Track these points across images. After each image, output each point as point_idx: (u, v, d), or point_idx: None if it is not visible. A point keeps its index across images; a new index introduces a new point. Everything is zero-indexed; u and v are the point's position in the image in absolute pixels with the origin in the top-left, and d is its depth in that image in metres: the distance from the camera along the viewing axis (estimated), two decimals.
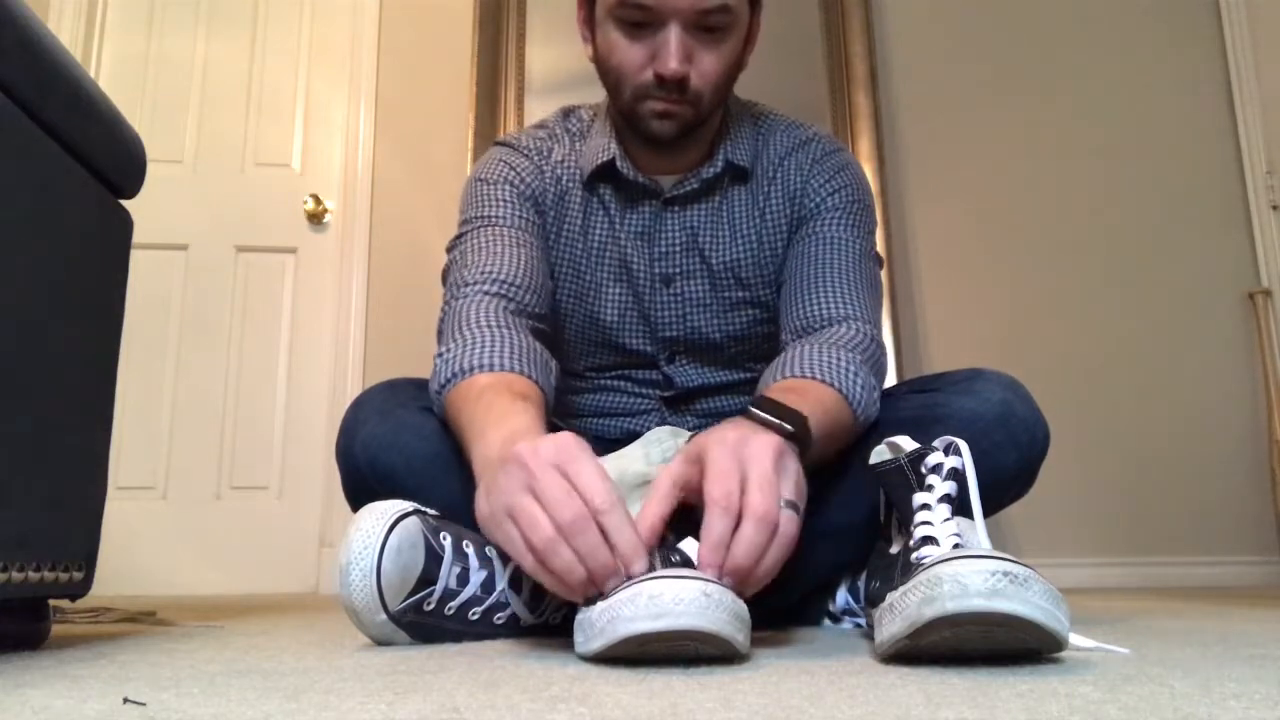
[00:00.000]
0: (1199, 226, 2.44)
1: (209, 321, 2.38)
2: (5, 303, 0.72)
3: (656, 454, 0.71)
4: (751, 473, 0.66)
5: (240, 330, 2.39)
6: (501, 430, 0.75)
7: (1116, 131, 2.48)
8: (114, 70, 2.49)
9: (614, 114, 1.06)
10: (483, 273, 0.97)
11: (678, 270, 1.07)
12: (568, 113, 1.14)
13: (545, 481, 0.63)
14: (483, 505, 0.68)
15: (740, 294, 1.07)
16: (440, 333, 0.96)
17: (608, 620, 0.59)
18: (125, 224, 0.96)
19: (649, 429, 1.07)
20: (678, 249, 1.07)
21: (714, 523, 0.64)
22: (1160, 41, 2.53)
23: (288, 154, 2.49)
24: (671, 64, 0.93)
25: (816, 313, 0.98)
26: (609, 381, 1.12)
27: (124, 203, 0.96)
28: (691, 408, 1.12)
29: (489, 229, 1.02)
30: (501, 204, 1.04)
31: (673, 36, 0.93)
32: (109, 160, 0.90)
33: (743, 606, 0.61)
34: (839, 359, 0.89)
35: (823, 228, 1.05)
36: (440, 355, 0.90)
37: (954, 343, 2.36)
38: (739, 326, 1.09)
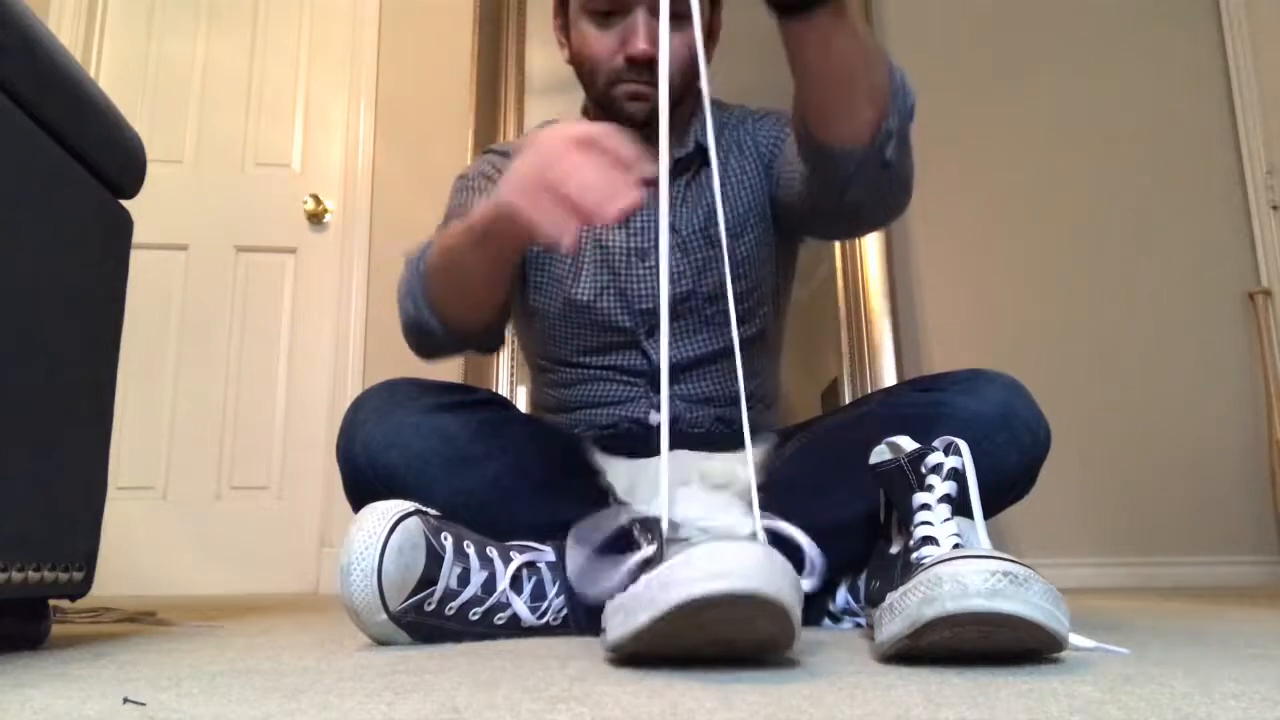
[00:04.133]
0: (1199, 226, 2.44)
1: (209, 321, 2.38)
2: (5, 303, 0.72)
3: (675, 477, 0.69)
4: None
5: (240, 330, 2.39)
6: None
7: (1116, 131, 2.48)
8: (114, 70, 2.49)
9: (590, 111, 1.14)
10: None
11: (651, 244, 1.11)
12: (549, 124, 1.20)
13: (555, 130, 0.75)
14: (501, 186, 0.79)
15: (710, 252, 1.10)
16: (401, 281, 1.05)
17: (660, 587, 0.52)
18: (125, 224, 0.96)
19: (637, 415, 1.10)
20: (651, 224, 1.11)
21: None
22: (1160, 41, 2.53)
23: (288, 154, 2.49)
24: (640, 44, 1.02)
25: None
26: (595, 372, 1.13)
27: (124, 203, 0.96)
28: (676, 389, 1.12)
29: (458, 220, 1.09)
30: (477, 194, 1.13)
31: (640, 20, 1.02)
32: (109, 160, 0.90)
33: (799, 580, 0.55)
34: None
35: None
36: (408, 261, 1.02)
37: (954, 343, 2.36)
38: (711, 284, 1.11)
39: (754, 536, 0.61)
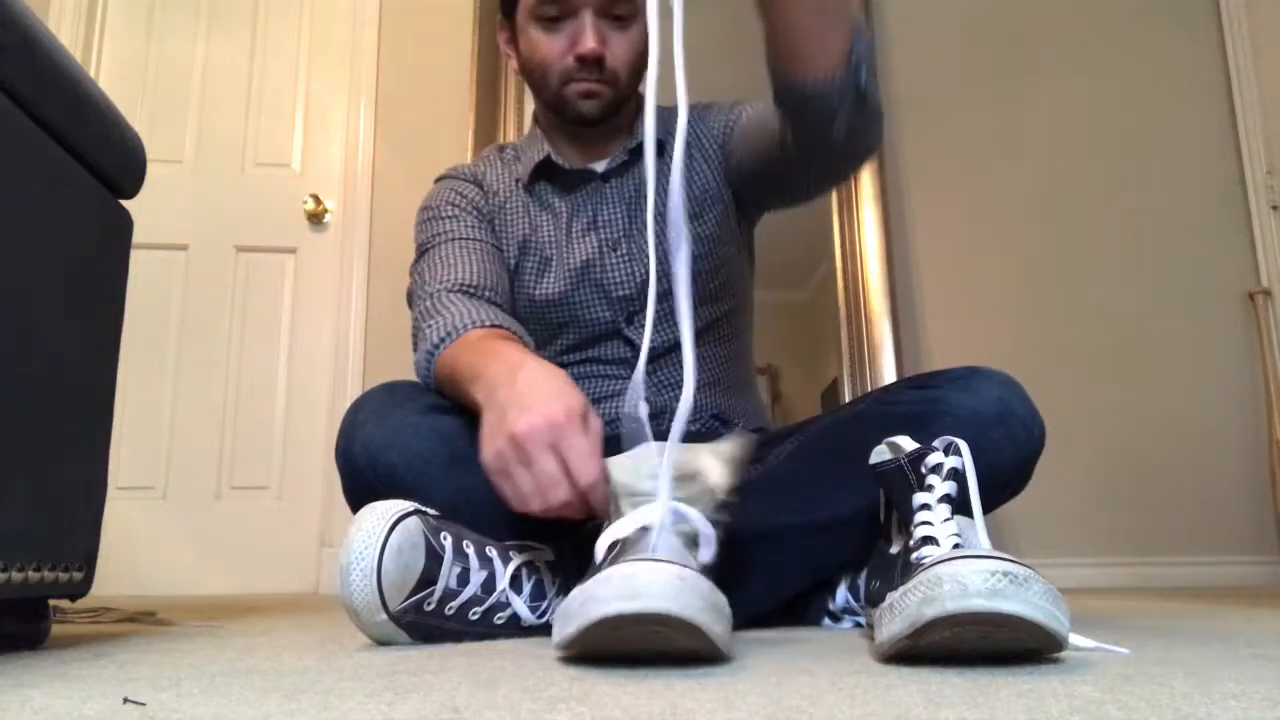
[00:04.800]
0: (1199, 226, 2.44)
1: (209, 321, 2.38)
2: (5, 303, 0.72)
3: (646, 469, 0.71)
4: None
5: (240, 330, 2.39)
6: (499, 362, 0.87)
7: (1116, 131, 2.48)
8: (114, 70, 2.49)
9: (543, 119, 1.20)
10: (443, 282, 1.07)
11: (622, 233, 1.14)
12: (501, 148, 1.27)
13: (540, 465, 0.77)
14: (489, 456, 0.80)
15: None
16: (415, 333, 1.05)
17: (581, 604, 0.57)
18: (125, 224, 0.96)
19: (626, 410, 1.11)
20: (619, 217, 1.15)
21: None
22: (1160, 41, 2.53)
23: (288, 154, 2.49)
24: (589, 43, 1.07)
25: None
26: (578, 369, 1.15)
27: (124, 203, 0.96)
28: (660, 376, 1.13)
29: (442, 246, 1.13)
30: (449, 220, 1.16)
31: (587, 22, 1.08)
32: (109, 160, 0.90)
33: (721, 597, 0.59)
34: None
35: (747, 114, 1.15)
36: (429, 324, 1.02)
37: (953, 342, 2.36)
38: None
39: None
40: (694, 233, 1.14)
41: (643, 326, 1.13)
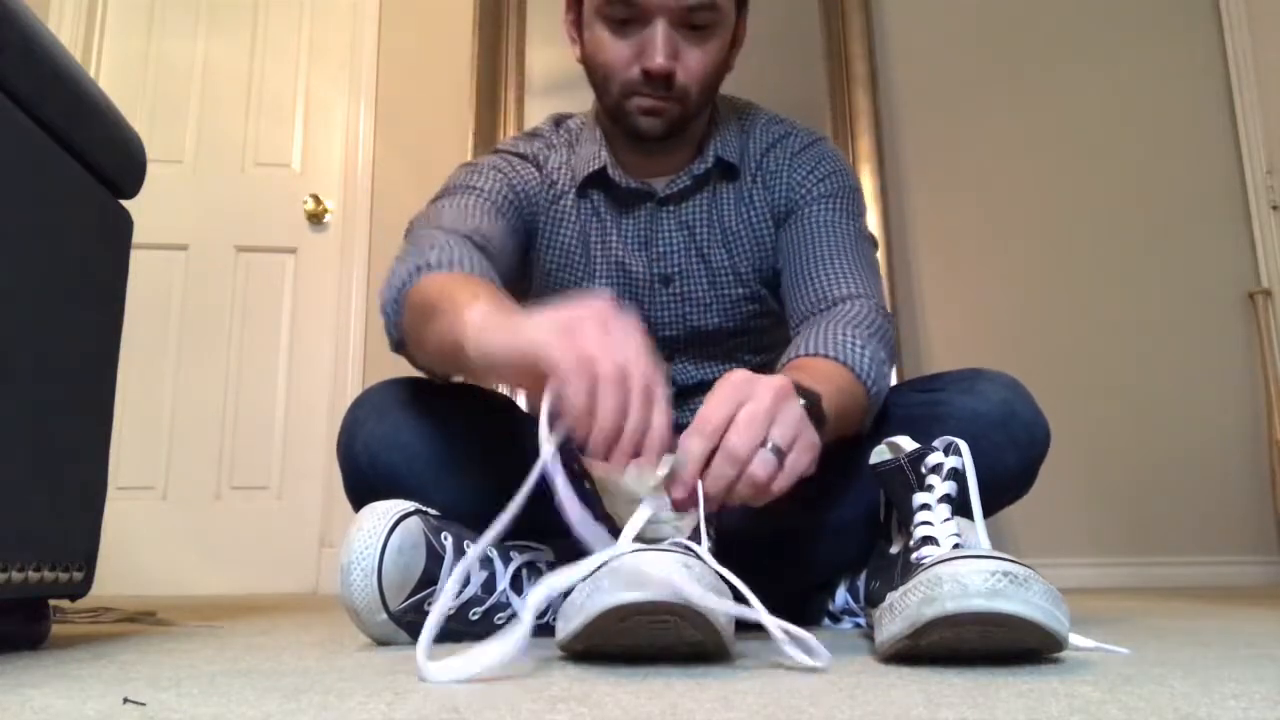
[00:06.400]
0: (1199, 226, 2.44)
1: (209, 321, 2.38)
2: (5, 303, 0.72)
3: (648, 478, 0.71)
4: (743, 410, 0.67)
5: (240, 330, 2.39)
6: (492, 302, 0.74)
7: (1116, 131, 2.48)
8: (114, 70, 2.49)
9: (602, 118, 1.08)
10: (454, 225, 0.96)
11: (677, 270, 1.08)
12: (558, 121, 1.15)
13: (618, 335, 0.65)
14: (538, 324, 0.67)
15: (740, 290, 1.08)
16: (401, 256, 0.93)
17: (587, 595, 0.57)
18: (125, 224, 0.96)
19: None
20: (676, 249, 1.08)
21: (688, 444, 0.66)
22: (1160, 41, 2.53)
23: (288, 154, 2.49)
24: (658, 59, 0.95)
25: (820, 296, 0.99)
26: None
27: (124, 203, 0.96)
28: (689, 406, 1.12)
29: (468, 196, 1.02)
30: (487, 179, 1.05)
31: (659, 33, 0.95)
32: (109, 160, 0.90)
33: (725, 587, 0.59)
34: (845, 335, 0.90)
35: (814, 215, 1.06)
36: (409, 256, 0.89)
37: (954, 342, 2.36)
38: (738, 321, 1.10)
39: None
40: (756, 293, 1.09)
41: (681, 364, 1.11)
